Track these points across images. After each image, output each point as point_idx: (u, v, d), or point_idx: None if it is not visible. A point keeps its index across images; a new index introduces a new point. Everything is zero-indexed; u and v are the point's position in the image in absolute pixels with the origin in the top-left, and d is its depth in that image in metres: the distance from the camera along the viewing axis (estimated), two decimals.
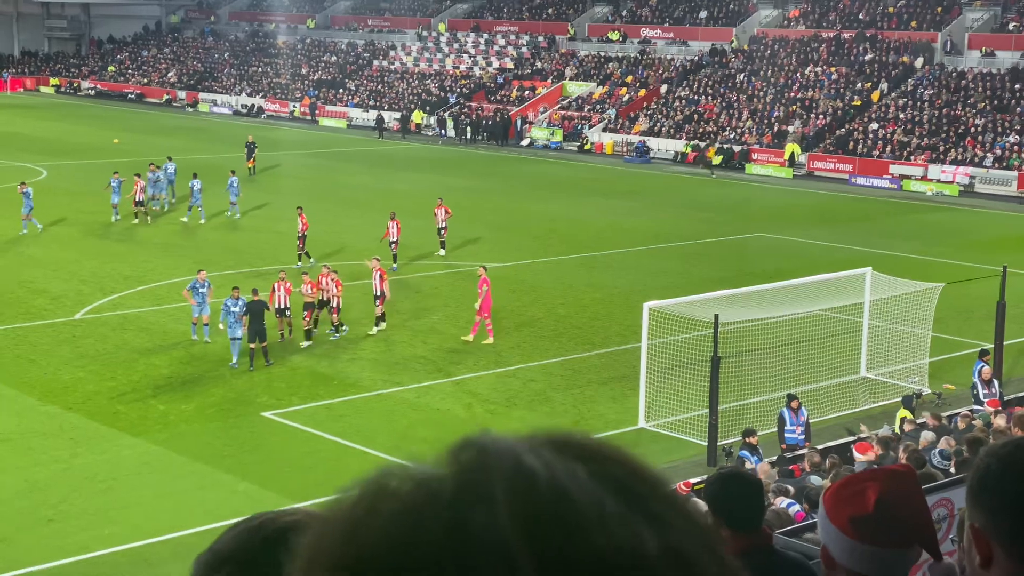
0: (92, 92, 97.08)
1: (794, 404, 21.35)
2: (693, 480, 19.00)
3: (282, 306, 27.95)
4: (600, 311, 31.65)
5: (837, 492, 2.71)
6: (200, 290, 28.04)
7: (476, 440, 0.99)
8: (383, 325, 29.29)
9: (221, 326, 27.06)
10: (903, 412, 21.33)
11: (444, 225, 38.04)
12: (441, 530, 0.94)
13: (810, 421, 21.74)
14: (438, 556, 0.93)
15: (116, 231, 41.30)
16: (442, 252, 38.06)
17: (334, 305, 28.65)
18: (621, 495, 0.97)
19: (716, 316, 22.20)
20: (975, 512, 2.11)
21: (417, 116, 75.70)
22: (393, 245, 35.65)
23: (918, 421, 20.01)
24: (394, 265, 35.44)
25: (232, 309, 26.35)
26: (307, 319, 28.15)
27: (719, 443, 21.53)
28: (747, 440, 20.05)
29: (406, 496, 0.98)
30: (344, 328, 28.92)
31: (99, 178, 51.49)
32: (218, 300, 28.06)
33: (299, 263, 35.40)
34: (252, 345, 26.34)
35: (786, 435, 21.08)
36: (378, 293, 28.93)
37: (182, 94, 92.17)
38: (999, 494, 2.07)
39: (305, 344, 28.06)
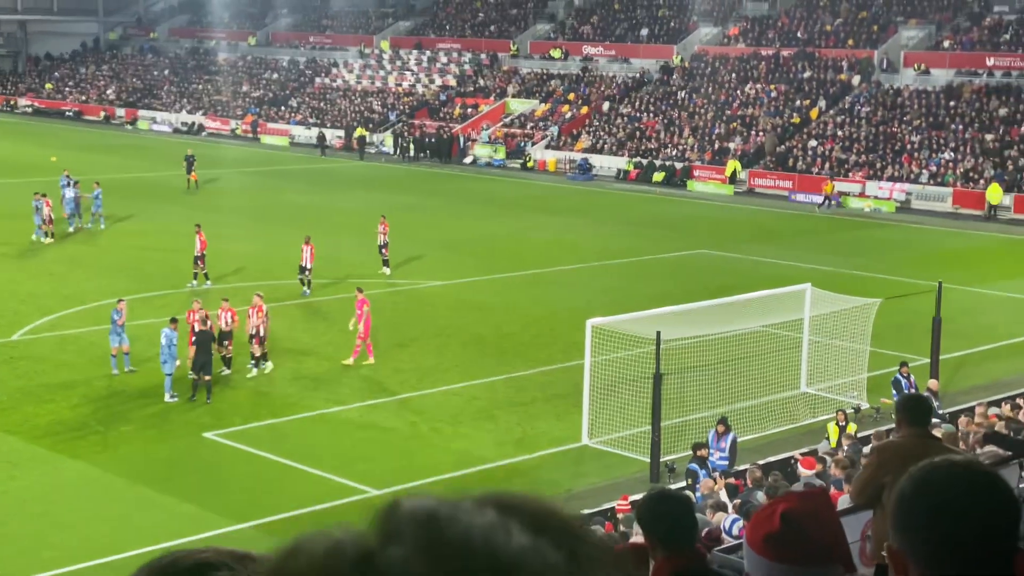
0: (29, 109, 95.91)
1: (720, 428, 21.06)
2: (638, 496, 19.13)
3: (227, 330, 26.82)
4: (544, 328, 31.74)
5: (755, 517, 2.76)
6: (116, 319, 26.77)
7: (392, 499, 1.02)
8: (267, 366, 27.39)
9: (167, 364, 25.31)
10: (832, 428, 21.57)
11: (386, 243, 37.87)
12: (352, 565, 0.96)
13: (738, 442, 21.26)
14: None
15: (54, 252, 40.81)
16: (386, 271, 37.91)
17: (255, 334, 27.08)
18: (530, 527, 0.99)
19: (658, 333, 22.35)
20: (894, 533, 2.17)
21: (359, 132, 75.49)
22: (307, 271, 34.44)
23: (859, 435, 20.26)
24: (306, 291, 34.67)
25: (173, 342, 25.15)
26: (228, 347, 26.88)
27: (662, 459, 21.65)
28: (697, 454, 20.14)
29: (325, 542, 1.00)
30: (266, 364, 27.45)
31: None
32: (152, 329, 27.63)
33: (193, 282, 34.88)
34: (194, 376, 25.31)
35: (712, 460, 21.00)
36: (252, 332, 27.06)
37: (121, 111, 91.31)
38: (913, 515, 2.13)
39: (226, 371, 27.05)
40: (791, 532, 2.58)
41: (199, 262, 35.23)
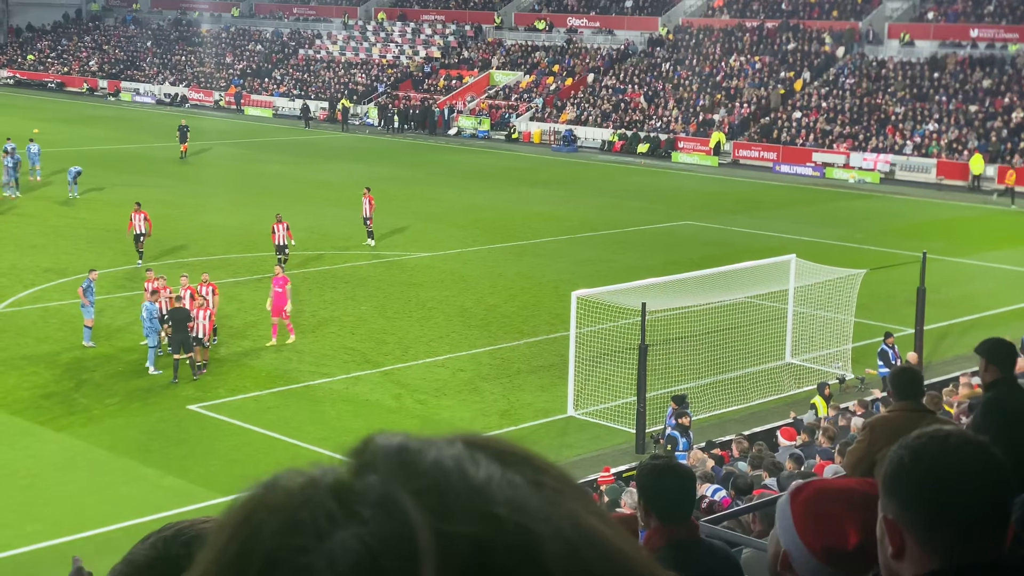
0: (11, 81, 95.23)
1: (673, 406, 20.69)
2: (622, 468, 19.16)
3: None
4: (529, 300, 31.72)
5: (811, 509, 2.65)
6: (92, 289, 26.64)
7: (366, 436, 1.05)
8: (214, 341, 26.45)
9: (150, 338, 25.15)
10: (818, 399, 21.61)
11: (370, 215, 37.76)
12: (327, 491, 0.99)
13: (692, 420, 20.74)
14: (323, 505, 0.98)
15: (35, 224, 40.57)
16: (371, 242, 37.81)
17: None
18: (500, 462, 1.03)
19: (643, 304, 22.34)
20: (888, 503, 2.14)
21: (343, 104, 75.18)
22: (284, 250, 33.37)
23: (841, 406, 20.31)
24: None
25: (154, 315, 24.96)
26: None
27: (647, 430, 21.68)
28: (679, 421, 20.15)
29: (302, 475, 1.03)
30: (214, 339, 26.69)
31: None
32: (135, 302, 27.49)
33: (139, 262, 33.58)
34: (176, 356, 24.81)
35: (666, 433, 20.85)
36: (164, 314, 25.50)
37: (104, 83, 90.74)
38: (910, 485, 2.11)
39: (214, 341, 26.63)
40: (862, 550, 2.54)
41: (139, 240, 33.98)
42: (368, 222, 37.77)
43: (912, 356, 23.56)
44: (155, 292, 25.71)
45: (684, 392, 22.14)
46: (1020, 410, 6.90)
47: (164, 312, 25.52)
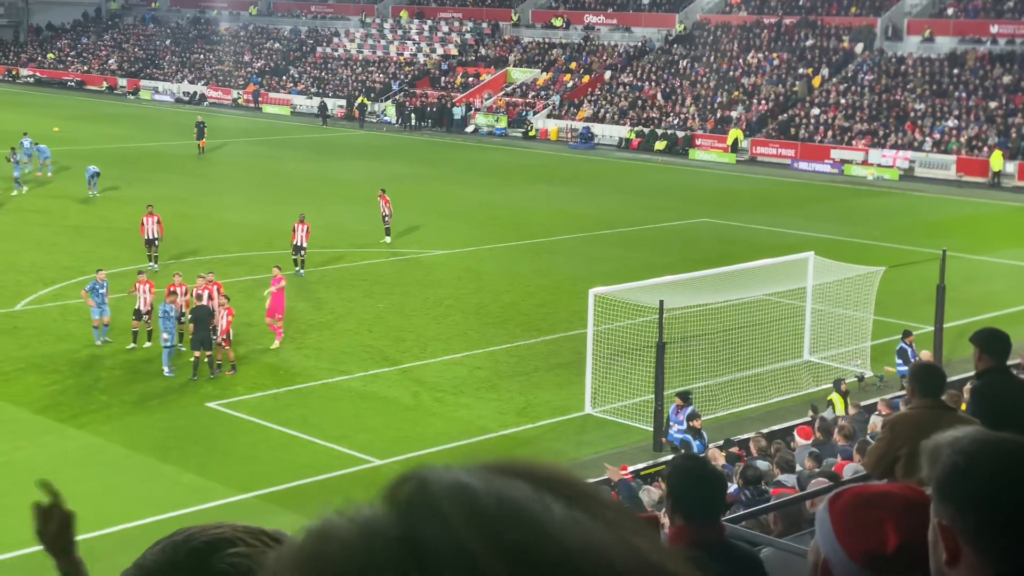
0: (31, 80, 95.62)
1: (679, 402, 20.80)
2: (640, 465, 19.14)
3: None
4: (546, 298, 31.70)
5: (851, 515, 2.62)
6: (99, 291, 26.70)
7: (410, 473, 0.96)
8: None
9: (165, 336, 25.02)
10: (835, 395, 21.53)
11: (389, 214, 37.78)
12: (395, 546, 0.90)
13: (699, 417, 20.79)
14: (398, 567, 0.89)
15: (55, 223, 40.75)
16: (387, 239, 37.85)
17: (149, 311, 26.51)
18: (563, 498, 0.97)
19: (661, 302, 22.30)
20: (941, 508, 2.11)
21: (360, 101, 75.28)
22: (301, 251, 33.15)
23: (863, 404, 20.19)
24: (300, 271, 33.03)
25: (172, 315, 24.95)
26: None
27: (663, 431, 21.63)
28: (691, 424, 20.13)
29: (352, 525, 0.94)
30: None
31: (37, 167, 50.84)
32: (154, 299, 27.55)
33: (154, 265, 33.06)
34: (196, 353, 24.89)
35: (671, 432, 20.86)
36: (145, 308, 26.33)
37: (123, 81, 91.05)
38: (966, 490, 2.08)
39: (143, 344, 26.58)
40: (903, 554, 2.51)
41: (154, 244, 33.48)
42: (386, 219, 37.79)
43: (926, 354, 23.40)
44: (173, 292, 25.74)
45: (689, 389, 21.98)
46: (1009, 397, 6.95)
47: (182, 311, 25.57)
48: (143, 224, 33.63)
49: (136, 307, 26.79)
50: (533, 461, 1.01)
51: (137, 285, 26.97)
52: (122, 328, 27.52)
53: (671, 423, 20.82)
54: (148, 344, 26.75)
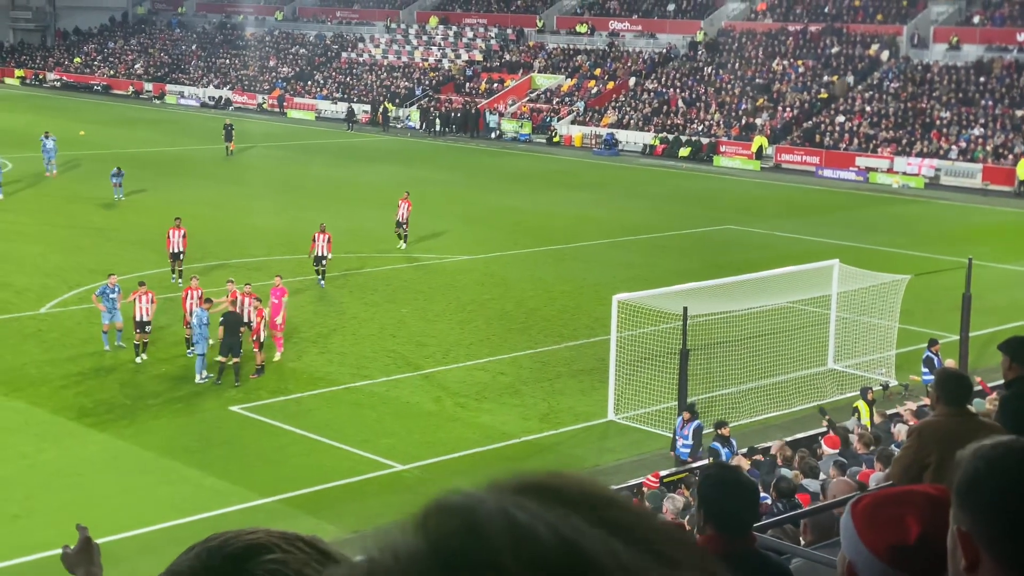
0: (58, 84, 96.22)
1: (686, 415, 20.49)
2: (663, 472, 19.06)
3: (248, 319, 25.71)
4: (569, 304, 31.66)
5: (872, 513, 2.61)
6: (110, 296, 26.62)
7: (450, 504, 0.89)
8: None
9: (199, 345, 24.96)
10: (861, 403, 21.41)
11: (406, 219, 37.61)
12: None
13: (703, 431, 20.42)
14: None
15: (80, 225, 40.95)
16: (402, 245, 37.68)
17: (147, 321, 26.18)
18: (626, 539, 0.92)
19: (685, 309, 22.24)
20: (962, 515, 2.08)
21: (386, 107, 75.45)
22: (323, 261, 32.48)
23: (889, 412, 20.07)
24: (321, 282, 32.66)
25: (204, 321, 24.86)
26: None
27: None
28: (719, 432, 20.01)
29: (400, 560, 0.89)
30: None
31: (64, 170, 51.16)
32: (176, 303, 27.57)
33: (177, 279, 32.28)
34: (222, 359, 24.84)
35: (678, 447, 20.61)
36: (144, 318, 26.03)
37: (149, 86, 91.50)
38: (987, 497, 2.05)
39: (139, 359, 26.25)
40: (925, 547, 2.48)
41: (179, 258, 32.66)
42: (404, 226, 37.60)
43: (950, 363, 23.25)
44: (208, 300, 25.73)
45: (695, 401, 21.70)
46: None
47: (223, 316, 25.46)
48: (169, 237, 32.64)
49: (133, 317, 26.23)
50: (575, 482, 0.95)
51: (135, 295, 26.37)
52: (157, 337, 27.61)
53: (677, 437, 20.59)
54: (144, 357, 26.28)
